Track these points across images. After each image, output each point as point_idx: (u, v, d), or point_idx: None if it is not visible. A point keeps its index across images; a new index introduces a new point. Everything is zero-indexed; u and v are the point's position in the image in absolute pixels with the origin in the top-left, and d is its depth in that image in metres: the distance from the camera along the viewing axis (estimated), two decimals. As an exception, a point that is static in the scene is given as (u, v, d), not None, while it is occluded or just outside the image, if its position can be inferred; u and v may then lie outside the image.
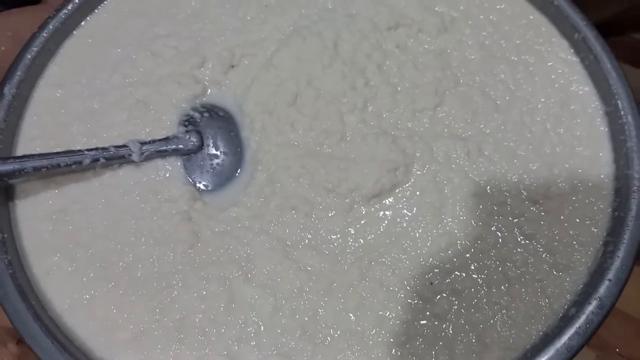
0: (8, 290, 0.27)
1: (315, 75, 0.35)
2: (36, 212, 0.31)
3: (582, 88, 0.35)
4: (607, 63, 0.34)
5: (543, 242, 0.29)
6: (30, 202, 0.31)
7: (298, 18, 0.37)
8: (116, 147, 0.32)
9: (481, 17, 0.38)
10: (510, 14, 0.38)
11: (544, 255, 0.29)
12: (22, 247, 0.30)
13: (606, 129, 0.33)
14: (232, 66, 0.36)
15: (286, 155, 0.32)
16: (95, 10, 0.39)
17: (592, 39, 0.35)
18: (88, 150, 0.31)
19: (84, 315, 0.28)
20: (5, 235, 0.29)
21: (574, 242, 0.29)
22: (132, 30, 0.38)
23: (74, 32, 0.38)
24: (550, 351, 0.25)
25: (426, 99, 0.34)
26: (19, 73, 0.34)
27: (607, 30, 0.56)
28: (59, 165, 0.30)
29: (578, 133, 0.33)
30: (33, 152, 0.31)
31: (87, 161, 0.31)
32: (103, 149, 0.31)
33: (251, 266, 0.29)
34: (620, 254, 0.27)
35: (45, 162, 0.30)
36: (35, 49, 0.35)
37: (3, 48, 0.39)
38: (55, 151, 0.31)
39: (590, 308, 0.26)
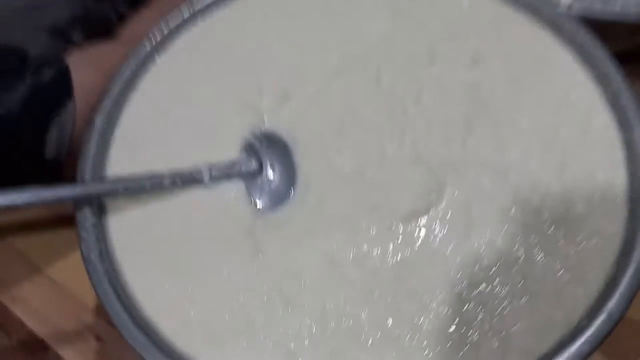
0: (107, 292, 0.33)
1: (359, 106, 0.39)
2: (124, 228, 0.37)
3: (602, 119, 0.38)
4: (626, 96, 0.37)
5: (560, 260, 0.33)
6: (120, 218, 0.37)
7: (345, 54, 0.42)
8: (190, 171, 0.37)
9: (510, 51, 0.42)
10: (537, 48, 0.42)
11: (560, 273, 0.32)
12: (115, 256, 0.36)
13: (623, 156, 0.36)
14: (286, 98, 0.41)
15: (334, 178, 0.37)
16: (168, 49, 0.45)
17: (613, 74, 0.38)
18: (167, 174, 0.37)
19: (167, 317, 0.33)
20: (103, 246, 0.35)
21: (588, 262, 0.33)
22: (199, 67, 0.43)
23: (151, 68, 0.44)
24: (564, 356, 0.29)
25: (458, 129, 0.38)
26: (107, 105, 0.41)
27: (633, 57, 0.59)
28: (144, 187, 0.36)
29: (596, 161, 0.36)
30: (121, 175, 0.37)
31: (166, 183, 0.36)
32: (179, 172, 0.37)
33: (304, 277, 0.34)
34: (629, 272, 0.31)
35: (133, 184, 0.36)
36: (119, 85, 0.42)
37: (91, 79, 0.45)
38: (140, 174, 0.37)
39: (600, 319, 0.30)
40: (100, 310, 0.46)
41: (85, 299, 0.47)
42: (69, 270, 0.49)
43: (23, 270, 0.49)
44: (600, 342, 0.30)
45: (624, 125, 0.37)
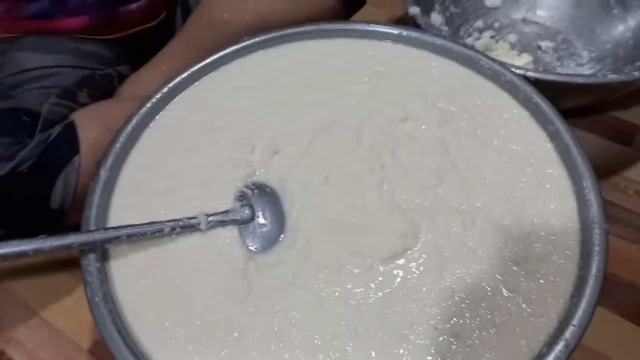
0: (110, 330, 0.36)
1: (343, 160, 0.44)
2: (126, 270, 0.40)
3: (556, 170, 0.43)
4: (574, 150, 0.42)
5: (523, 296, 0.37)
6: (122, 262, 0.40)
7: (328, 113, 0.47)
8: (188, 218, 0.41)
9: (474, 111, 0.47)
10: (497, 108, 0.47)
11: (523, 306, 0.36)
12: (117, 298, 0.38)
13: (574, 204, 0.41)
14: (276, 152, 0.46)
15: (320, 224, 0.41)
16: (167, 107, 0.49)
17: (563, 130, 0.44)
18: (167, 221, 0.40)
19: (166, 352, 0.36)
20: (106, 289, 0.38)
21: (547, 296, 0.37)
22: (196, 122, 0.48)
23: (150, 124, 0.48)
24: (527, 381, 0.33)
25: (430, 179, 0.43)
26: (110, 158, 0.44)
27: (590, 111, 0.66)
28: (145, 234, 0.39)
29: (552, 207, 0.41)
30: (124, 223, 0.40)
31: (166, 230, 0.40)
32: (178, 220, 0.41)
33: (294, 313, 0.37)
34: (583, 304, 0.35)
35: (135, 231, 0.39)
36: (122, 139, 0.45)
37: (95, 134, 0.49)
38: (141, 222, 0.40)
39: (558, 347, 0.33)
40: (95, 351, 0.48)
41: (79, 340, 0.49)
42: (63, 313, 0.50)
43: (19, 313, 0.51)
44: (559, 368, 0.33)
45: (574, 175, 0.42)
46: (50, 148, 0.46)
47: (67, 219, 0.48)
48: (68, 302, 0.52)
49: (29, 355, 0.49)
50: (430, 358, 0.35)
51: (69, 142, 0.47)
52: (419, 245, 0.40)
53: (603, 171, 0.62)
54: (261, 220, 0.42)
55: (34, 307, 0.51)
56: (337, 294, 0.38)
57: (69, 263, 0.53)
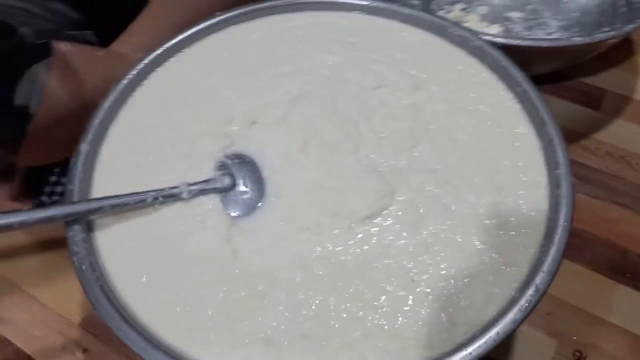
0: (99, 297, 0.36)
1: (319, 128, 0.45)
2: (112, 240, 0.40)
3: (524, 129, 0.45)
4: (541, 109, 0.44)
5: (496, 247, 0.39)
6: (107, 232, 0.41)
7: (303, 84, 0.48)
8: (170, 188, 0.42)
9: (445, 77, 0.49)
10: (467, 73, 0.49)
11: (495, 256, 0.38)
12: (103, 267, 0.39)
13: (542, 160, 0.43)
14: (254, 122, 0.47)
15: (299, 189, 0.42)
16: (144, 83, 0.49)
17: (530, 91, 0.45)
18: (150, 191, 0.41)
19: (154, 314, 0.37)
20: (92, 258, 0.39)
21: (520, 247, 0.39)
22: (173, 97, 0.48)
23: (128, 100, 0.48)
24: (500, 324, 0.34)
25: (404, 143, 0.44)
26: (90, 134, 0.45)
27: (558, 77, 0.68)
28: (129, 204, 0.40)
29: (521, 164, 0.43)
30: (107, 195, 0.41)
31: (149, 199, 0.41)
32: (160, 190, 0.41)
33: (277, 273, 0.38)
34: (552, 252, 0.37)
35: (118, 201, 0.40)
36: (101, 115, 0.46)
37: (69, 47, 0.49)
38: (124, 193, 0.41)
39: (529, 292, 0.35)
40: (86, 325, 0.49)
41: (70, 316, 0.50)
42: (53, 292, 0.51)
43: (8, 293, 0.51)
44: (530, 311, 0.35)
45: (542, 133, 0.44)
46: (22, 45, 0.45)
47: (25, 154, 0.48)
48: (57, 281, 0.53)
49: (21, 333, 0.49)
50: (407, 308, 0.36)
51: (43, 46, 0.46)
52: (395, 204, 0.41)
53: (574, 135, 0.64)
54: (242, 187, 0.43)
55: (24, 287, 0.52)
56: (317, 253, 0.39)
57: (56, 243, 0.54)
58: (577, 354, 0.49)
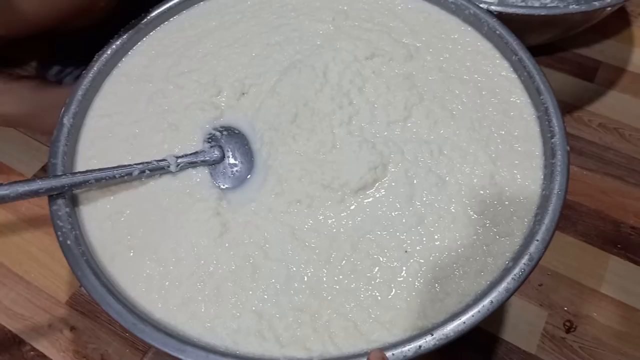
0: (85, 272, 0.36)
1: (310, 98, 0.44)
2: (97, 214, 0.39)
3: (519, 98, 0.44)
4: (537, 78, 0.43)
5: (490, 218, 0.38)
6: (92, 206, 0.40)
7: (294, 53, 0.47)
8: (157, 160, 0.40)
9: (439, 45, 0.48)
10: (462, 42, 0.48)
11: (489, 226, 0.38)
12: (89, 242, 0.38)
13: (537, 130, 0.42)
14: (243, 94, 0.45)
15: (290, 161, 0.41)
16: (129, 53, 0.48)
17: (526, 60, 0.44)
18: (136, 164, 0.40)
19: (143, 289, 0.36)
20: (77, 232, 0.38)
21: (514, 216, 0.38)
22: (160, 68, 0.47)
23: (113, 71, 0.47)
24: (494, 293, 0.34)
25: (397, 113, 0.43)
26: (73, 107, 0.43)
27: (553, 49, 0.66)
28: (114, 177, 0.39)
29: (516, 134, 0.42)
30: (91, 168, 0.40)
31: (135, 173, 0.39)
32: (147, 162, 0.40)
33: (268, 246, 0.38)
34: (546, 221, 0.36)
35: (103, 174, 0.39)
36: (84, 87, 0.45)
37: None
38: (110, 166, 0.40)
39: (523, 261, 0.35)
40: (74, 303, 0.48)
41: (57, 294, 0.49)
42: (39, 270, 0.50)
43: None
44: (524, 280, 0.34)
45: (537, 102, 0.43)
46: None
47: None
48: (43, 259, 0.52)
49: (6, 312, 0.48)
50: (401, 279, 0.36)
51: None
52: (389, 175, 0.40)
53: (568, 106, 0.64)
54: (231, 160, 0.42)
55: (9, 266, 0.51)
56: (309, 225, 0.38)
57: (41, 220, 0.52)
58: (568, 324, 0.49)
